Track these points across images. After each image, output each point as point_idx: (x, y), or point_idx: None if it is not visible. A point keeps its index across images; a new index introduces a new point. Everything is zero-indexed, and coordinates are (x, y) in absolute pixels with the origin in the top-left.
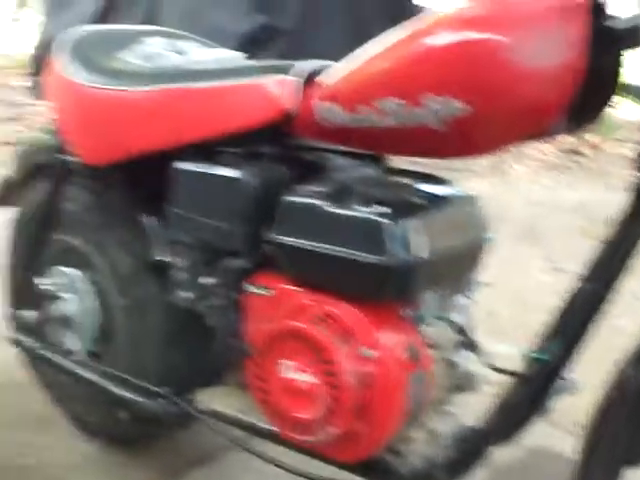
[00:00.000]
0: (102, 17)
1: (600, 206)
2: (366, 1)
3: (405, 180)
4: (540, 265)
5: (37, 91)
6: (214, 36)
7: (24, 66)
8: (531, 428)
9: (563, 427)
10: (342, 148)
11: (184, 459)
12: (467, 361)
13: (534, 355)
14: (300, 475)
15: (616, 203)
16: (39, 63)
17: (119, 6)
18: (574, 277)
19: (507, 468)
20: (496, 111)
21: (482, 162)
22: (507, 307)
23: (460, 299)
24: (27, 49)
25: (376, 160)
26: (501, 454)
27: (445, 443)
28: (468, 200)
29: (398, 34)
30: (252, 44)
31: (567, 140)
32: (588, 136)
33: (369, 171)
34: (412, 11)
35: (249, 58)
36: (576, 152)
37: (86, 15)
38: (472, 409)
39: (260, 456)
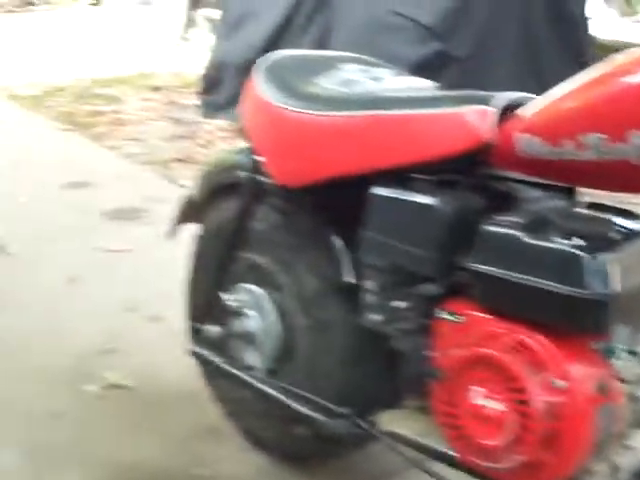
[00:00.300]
0: (274, 43)
1: None
2: (541, 32)
3: (599, 214)
4: None
5: (206, 110)
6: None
7: (194, 85)
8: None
9: None
10: (534, 180)
11: (359, 478)
12: None
13: None
14: None
15: None
16: (209, 83)
17: (290, 32)
18: None
19: None
20: None
21: None
22: None
23: None
24: (197, 69)
25: (567, 193)
26: None
27: (624, 477)
28: None
29: (599, 69)
30: (425, 71)
31: None
32: None
33: (562, 204)
34: (587, 41)
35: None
36: None
37: (258, 40)
38: None
39: (437, 477)
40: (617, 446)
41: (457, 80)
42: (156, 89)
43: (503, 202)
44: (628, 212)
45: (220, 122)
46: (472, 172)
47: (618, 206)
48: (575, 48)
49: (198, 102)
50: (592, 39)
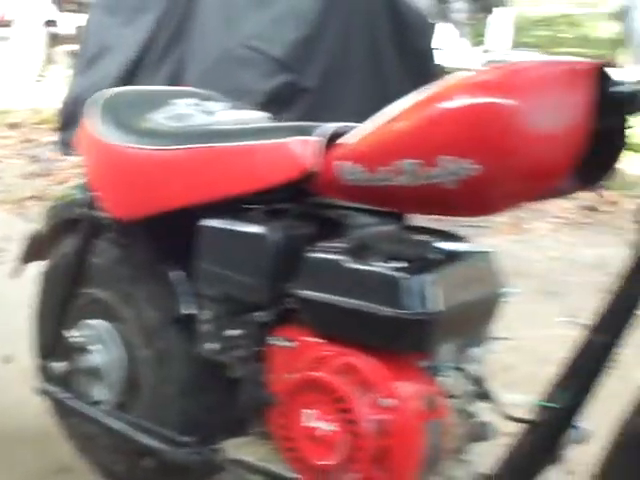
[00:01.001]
0: (128, 77)
1: (618, 261)
2: (388, 61)
3: (422, 237)
4: (558, 320)
5: (64, 146)
6: (239, 94)
7: (51, 122)
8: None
9: (578, 476)
10: (363, 206)
11: None
12: (482, 411)
13: (545, 403)
14: None
15: None
16: (66, 119)
17: (145, 67)
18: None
19: None
20: (506, 171)
21: (502, 219)
22: (524, 361)
23: (476, 351)
24: (54, 105)
25: (396, 218)
26: None
27: None
28: (483, 256)
29: (416, 97)
30: (276, 102)
31: (586, 197)
32: (606, 193)
33: (388, 228)
34: (433, 71)
35: (273, 116)
36: (594, 209)
37: (113, 74)
38: (488, 458)
39: None
40: (452, 460)
41: (307, 111)
42: (13, 126)
43: (331, 229)
44: (452, 234)
45: (76, 158)
46: (300, 201)
47: (441, 228)
48: (422, 78)
49: (55, 139)
50: (440, 68)
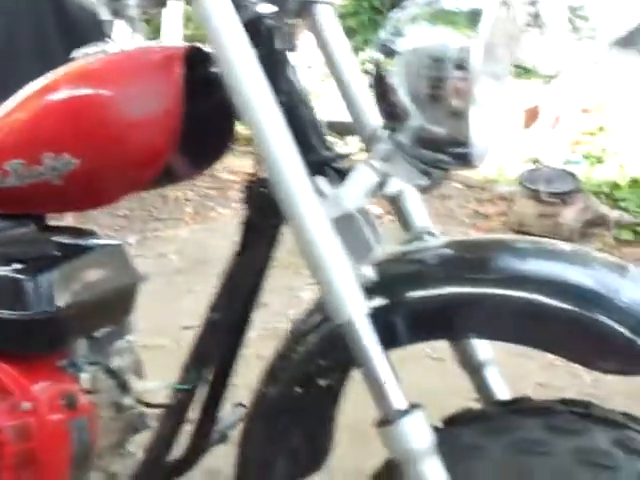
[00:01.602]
0: None
1: None
2: (57, 60)
3: (52, 236)
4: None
5: None
6: None
7: None
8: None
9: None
10: None
11: None
12: (135, 402)
13: (177, 386)
14: None
15: None
16: None
17: None
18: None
19: None
20: (103, 162)
21: (187, 209)
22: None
23: (117, 343)
24: None
25: (34, 220)
26: None
27: None
28: (114, 248)
29: (26, 91)
30: None
31: None
32: None
33: (17, 231)
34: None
35: None
36: None
37: None
38: None
39: None
40: (112, 455)
41: None
42: None
43: None
44: (82, 230)
45: None
46: None
47: (76, 227)
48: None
49: None
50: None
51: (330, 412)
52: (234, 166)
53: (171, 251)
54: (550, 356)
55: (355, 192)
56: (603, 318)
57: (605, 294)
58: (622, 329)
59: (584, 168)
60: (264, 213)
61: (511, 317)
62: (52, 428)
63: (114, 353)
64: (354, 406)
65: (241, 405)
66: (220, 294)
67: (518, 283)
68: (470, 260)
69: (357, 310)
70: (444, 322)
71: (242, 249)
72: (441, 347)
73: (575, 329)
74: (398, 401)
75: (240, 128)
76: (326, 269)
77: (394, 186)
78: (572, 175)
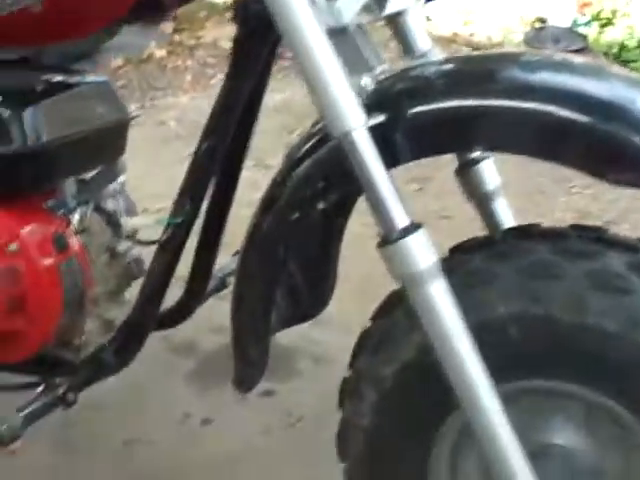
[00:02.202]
0: None
1: (304, 104)
2: None
3: (36, 72)
4: (247, 164)
5: None
6: None
7: None
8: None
9: None
10: None
11: None
12: (131, 248)
13: (170, 220)
14: None
15: None
16: None
17: None
18: None
19: (212, 355)
20: None
21: (187, 78)
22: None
23: (111, 185)
24: None
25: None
26: (206, 341)
27: (117, 328)
28: (102, 85)
29: None
30: None
31: None
32: None
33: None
34: None
35: None
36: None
37: None
38: None
39: None
40: (109, 302)
41: None
42: None
43: None
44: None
45: None
46: None
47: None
48: None
49: None
50: None
51: (330, 247)
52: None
53: (171, 118)
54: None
55: (351, 5)
56: (618, 128)
57: (620, 105)
58: (638, 140)
59: (593, 30)
60: (257, 32)
61: (520, 128)
62: (42, 270)
63: (106, 195)
64: (357, 263)
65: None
66: (213, 120)
67: (528, 94)
68: (475, 73)
69: (356, 122)
70: (449, 136)
71: (234, 72)
72: (451, 206)
73: (589, 140)
74: (401, 219)
75: None
76: (323, 80)
77: (394, 5)
78: (581, 35)
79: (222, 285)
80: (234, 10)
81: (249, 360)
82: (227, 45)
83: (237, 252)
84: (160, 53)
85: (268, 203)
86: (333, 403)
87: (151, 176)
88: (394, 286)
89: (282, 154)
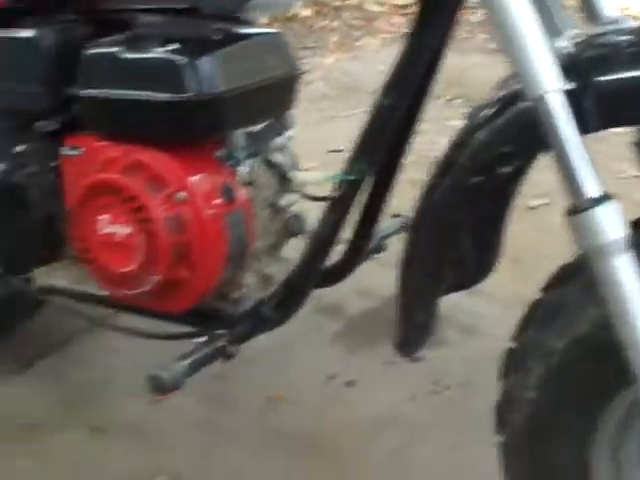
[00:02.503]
0: None
1: (451, 69)
2: None
3: (211, 22)
4: None
5: None
6: None
7: None
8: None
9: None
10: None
11: (35, 348)
12: (292, 203)
13: (342, 177)
14: (139, 335)
15: (466, 65)
16: None
17: None
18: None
19: (359, 318)
20: None
21: (333, 38)
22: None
23: (278, 139)
24: None
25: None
26: (353, 304)
27: (274, 287)
28: (275, 37)
29: None
30: None
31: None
32: None
33: (174, 20)
34: None
35: None
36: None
37: None
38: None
39: (96, 323)
40: (267, 257)
41: None
42: None
43: (115, 30)
44: (236, 18)
45: None
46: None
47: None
48: None
49: None
50: None
51: (501, 213)
52: None
53: (317, 78)
54: None
55: None
56: None
57: None
58: None
59: None
60: None
61: None
62: (208, 220)
63: (273, 148)
64: (513, 234)
65: (398, 216)
66: (392, 77)
67: None
68: None
69: (554, 84)
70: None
71: (418, 28)
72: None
73: None
74: (592, 188)
75: None
76: (522, 40)
77: None
78: None
79: (380, 247)
80: None
81: (415, 323)
82: (372, 8)
83: (395, 215)
84: (305, 13)
85: (445, 166)
86: (481, 373)
87: (299, 135)
88: (550, 259)
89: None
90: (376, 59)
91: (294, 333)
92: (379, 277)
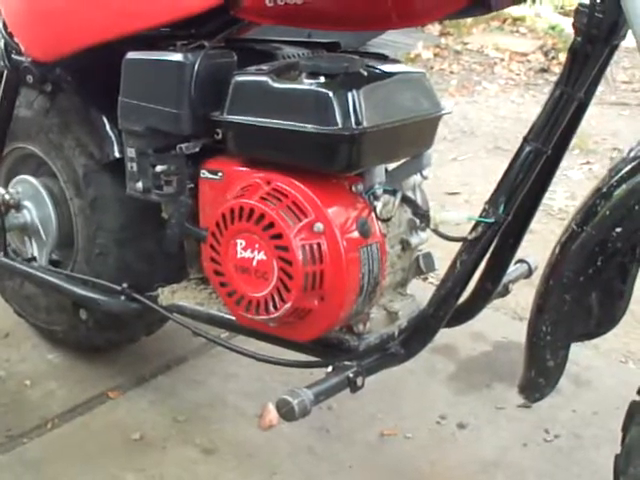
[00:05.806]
0: None
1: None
2: None
3: (357, 56)
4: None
5: None
6: None
7: None
8: (494, 321)
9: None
10: (296, 39)
11: (150, 366)
12: (423, 241)
13: (481, 219)
14: (264, 361)
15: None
16: None
17: None
18: None
19: (471, 361)
20: None
21: (453, 82)
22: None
23: (415, 177)
24: None
25: (330, 48)
26: (465, 347)
27: (402, 322)
28: (420, 76)
29: None
30: None
31: (538, 60)
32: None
33: (318, 53)
34: None
35: None
36: (545, 70)
37: None
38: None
39: (221, 344)
40: (393, 294)
41: None
42: None
43: (260, 59)
44: (386, 56)
45: None
46: (227, 28)
47: (376, 51)
48: None
49: None
50: None
51: (632, 263)
52: (501, 44)
53: None
54: None
55: None
56: None
57: None
58: None
59: None
60: (597, 39)
61: None
62: (343, 253)
63: (409, 186)
64: None
65: (524, 262)
66: (539, 124)
67: None
68: None
69: None
70: None
71: (568, 78)
72: None
73: None
74: None
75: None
76: None
77: None
78: None
79: (505, 291)
80: (574, 17)
81: (544, 369)
82: (493, 54)
83: (519, 260)
84: (427, 54)
85: (590, 212)
86: (591, 425)
87: None
88: None
89: None
90: (494, 104)
91: (406, 370)
92: (492, 321)
